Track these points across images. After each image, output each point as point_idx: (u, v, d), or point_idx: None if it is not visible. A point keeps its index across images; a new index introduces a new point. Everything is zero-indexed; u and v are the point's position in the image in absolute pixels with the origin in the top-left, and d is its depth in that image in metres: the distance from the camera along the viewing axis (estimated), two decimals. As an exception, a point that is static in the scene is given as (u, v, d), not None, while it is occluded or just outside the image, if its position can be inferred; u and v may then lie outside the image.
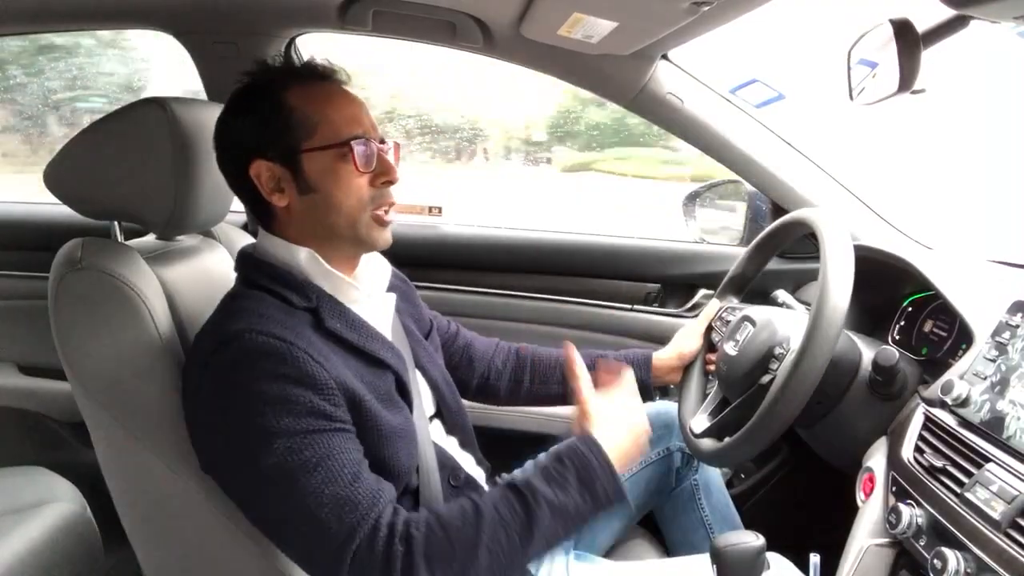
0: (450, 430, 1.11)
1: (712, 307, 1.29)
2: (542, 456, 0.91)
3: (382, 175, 0.94)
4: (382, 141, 0.96)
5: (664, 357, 1.27)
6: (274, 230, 0.97)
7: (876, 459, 0.98)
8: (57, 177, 1.00)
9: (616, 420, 0.95)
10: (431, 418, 1.08)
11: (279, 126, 0.91)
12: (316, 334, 0.90)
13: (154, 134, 0.96)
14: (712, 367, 1.25)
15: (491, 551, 0.81)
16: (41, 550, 1.22)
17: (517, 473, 0.90)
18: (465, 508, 0.84)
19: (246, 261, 0.98)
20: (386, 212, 0.96)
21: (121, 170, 0.98)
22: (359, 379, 0.90)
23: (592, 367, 1.25)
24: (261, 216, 0.98)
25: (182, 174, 0.97)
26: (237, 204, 1.08)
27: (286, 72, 0.95)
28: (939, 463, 0.85)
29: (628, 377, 1.04)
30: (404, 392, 0.98)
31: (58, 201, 1.01)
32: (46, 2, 1.42)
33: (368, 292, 1.00)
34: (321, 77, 0.95)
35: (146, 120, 0.97)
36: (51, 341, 0.93)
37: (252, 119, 0.93)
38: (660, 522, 1.31)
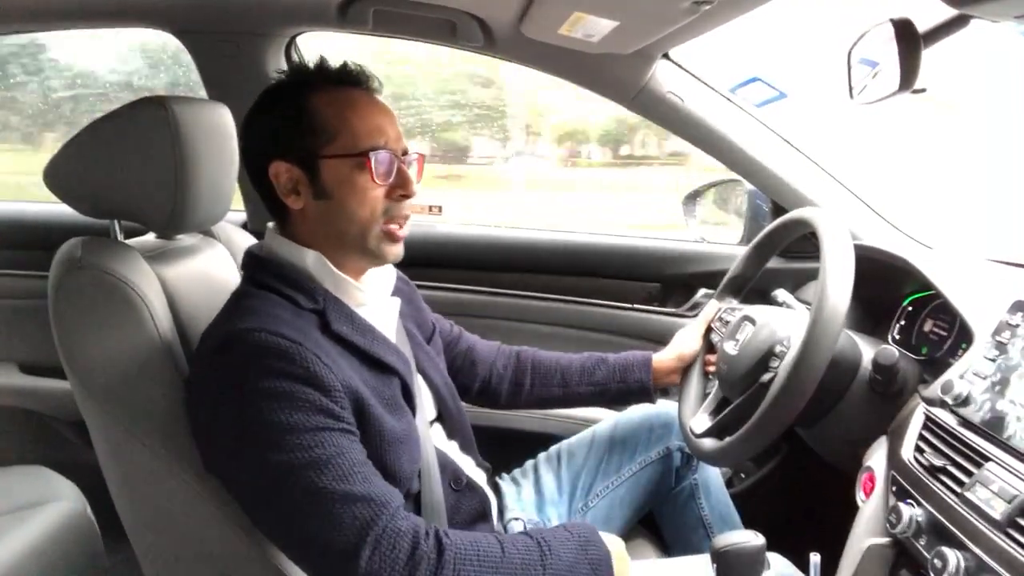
0: (450, 434, 1.11)
1: (711, 308, 1.29)
2: (559, 525, 0.95)
3: (399, 188, 0.94)
4: (404, 153, 0.96)
5: (664, 359, 1.27)
6: (286, 231, 0.97)
7: (876, 458, 0.98)
8: (57, 176, 1.00)
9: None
10: (432, 422, 1.08)
11: (301, 129, 0.91)
12: (323, 336, 0.90)
13: (154, 133, 0.96)
14: (712, 368, 1.25)
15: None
16: (42, 550, 1.22)
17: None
18: (488, 537, 0.86)
19: (253, 260, 0.98)
20: (400, 227, 0.95)
21: (121, 169, 0.98)
22: (364, 384, 0.90)
23: (593, 368, 1.26)
24: (275, 215, 0.98)
25: (182, 173, 0.97)
26: (237, 203, 1.08)
27: (316, 75, 0.95)
28: (939, 462, 0.85)
29: None
30: (408, 397, 0.98)
31: (58, 200, 1.02)
32: (46, 1, 1.42)
33: (374, 296, 1.00)
34: (350, 83, 0.95)
35: (146, 119, 0.97)
36: (51, 340, 0.93)
37: (275, 120, 0.93)
38: (659, 522, 1.31)
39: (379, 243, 0.94)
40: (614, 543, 0.93)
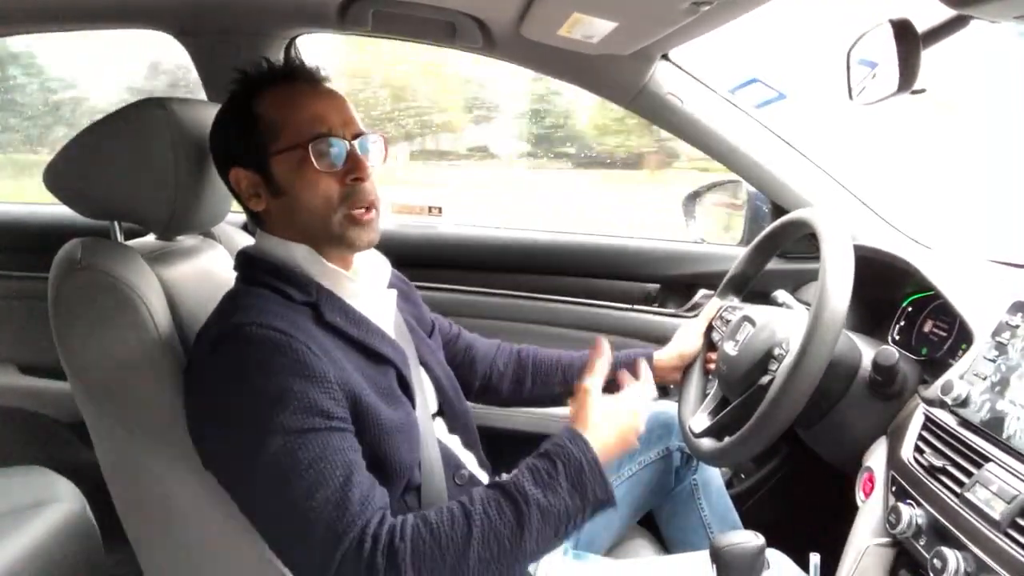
0: (453, 429, 1.11)
1: (713, 306, 1.29)
2: (531, 457, 0.88)
3: (351, 172, 0.93)
4: (356, 136, 0.94)
5: (665, 357, 1.27)
6: (267, 231, 0.98)
7: (876, 459, 0.98)
8: (57, 177, 1.00)
9: (608, 417, 0.93)
10: (433, 416, 1.08)
11: (248, 134, 0.93)
12: (317, 328, 0.90)
13: (154, 134, 0.96)
14: (712, 366, 1.25)
15: (481, 557, 0.79)
16: (41, 550, 1.22)
17: (505, 475, 0.88)
18: (454, 512, 0.82)
19: (245, 259, 0.98)
20: (366, 211, 0.94)
21: (121, 170, 0.98)
22: (359, 373, 0.90)
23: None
24: (251, 218, 1.00)
25: (182, 174, 0.98)
26: (237, 205, 1.09)
27: (256, 79, 0.96)
28: (939, 463, 0.85)
29: (643, 379, 1.05)
30: (406, 387, 0.98)
31: (58, 201, 1.02)
32: (46, 2, 1.42)
33: (367, 287, 1.00)
34: (287, 78, 0.95)
35: (146, 120, 0.97)
36: (51, 341, 0.93)
37: (228, 129, 0.96)
38: (659, 522, 1.31)
39: (344, 230, 0.93)
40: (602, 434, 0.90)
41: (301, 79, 0.96)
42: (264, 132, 0.92)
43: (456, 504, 0.83)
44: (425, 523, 0.81)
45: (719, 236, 1.79)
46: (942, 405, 0.91)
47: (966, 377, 0.91)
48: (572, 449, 0.87)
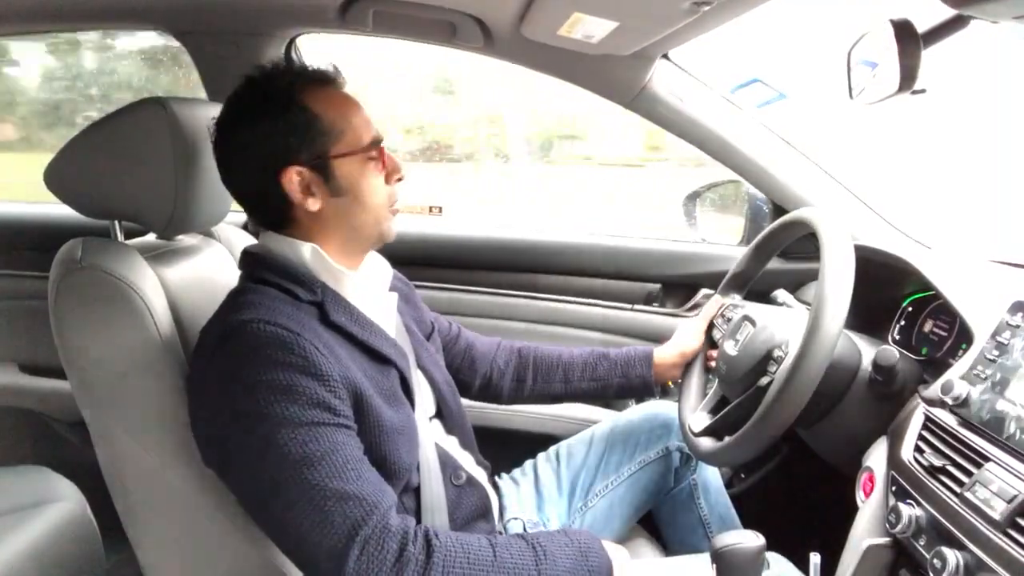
0: (450, 430, 1.11)
1: (714, 304, 1.29)
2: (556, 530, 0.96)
3: (394, 173, 0.99)
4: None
5: (666, 354, 1.27)
6: (287, 231, 0.97)
7: (876, 459, 0.98)
8: (58, 177, 1.00)
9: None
10: (431, 418, 1.09)
11: (310, 133, 0.93)
12: (322, 327, 0.91)
13: (154, 134, 0.96)
14: (713, 364, 1.25)
15: None
16: (41, 550, 1.22)
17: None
18: (481, 539, 0.87)
19: (250, 258, 0.98)
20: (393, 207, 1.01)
21: (121, 170, 0.99)
22: (363, 374, 0.91)
23: (595, 363, 1.27)
24: (276, 220, 0.97)
25: (182, 174, 0.98)
26: (237, 204, 1.09)
27: (304, 77, 0.95)
28: (939, 463, 0.85)
29: None
30: (407, 389, 0.98)
31: (58, 201, 1.02)
32: (46, 2, 1.42)
33: (371, 290, 1.01)
34: (333, 82, 0.98)
35: (146, 120, 0.97)
36: (51, 340, 0.93)
37: (278, 126, 0.91)
38: (659, 522, 1.31)
39: (388, 225, 1.00)
40: (617, 552, 0.93)
41: (339, 84, 0.98)
42: (325, 132, 0.93)
43: (483, 535, 0.88)
44: (457, 536, 0.86)
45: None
46: (942, 405, 0.91)
47: (966, 377, 0.91)
48: (588, 536, 0.92)
